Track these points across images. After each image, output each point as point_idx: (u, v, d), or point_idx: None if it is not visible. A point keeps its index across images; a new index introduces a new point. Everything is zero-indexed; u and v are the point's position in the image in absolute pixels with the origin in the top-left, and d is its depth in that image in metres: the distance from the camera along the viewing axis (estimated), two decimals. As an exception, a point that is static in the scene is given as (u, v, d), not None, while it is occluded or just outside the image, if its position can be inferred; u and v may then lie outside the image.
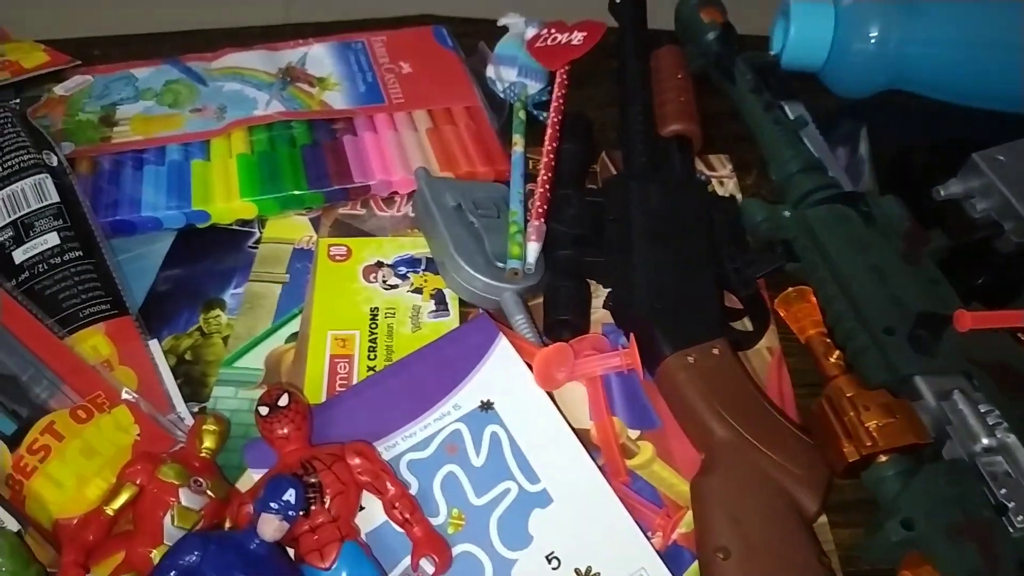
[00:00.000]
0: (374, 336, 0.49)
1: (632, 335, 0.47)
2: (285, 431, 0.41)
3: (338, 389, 0.46)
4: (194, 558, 0.36)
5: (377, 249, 0.53)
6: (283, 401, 0.41)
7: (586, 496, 0.42)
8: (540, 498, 0.42)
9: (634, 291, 0.48)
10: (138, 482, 0.40)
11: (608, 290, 0.52)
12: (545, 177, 0.53)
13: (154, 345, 0.48)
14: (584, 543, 0.41)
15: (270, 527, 0.36)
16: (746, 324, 0.51)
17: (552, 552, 0.40)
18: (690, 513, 0.43)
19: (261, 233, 0.56)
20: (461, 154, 0.59)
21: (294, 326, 0.51)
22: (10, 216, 0.49)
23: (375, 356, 0.48)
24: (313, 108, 0.61)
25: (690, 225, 0.52)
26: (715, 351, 0.46)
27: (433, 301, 0.51)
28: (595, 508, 0.42)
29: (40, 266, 0.48)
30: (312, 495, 0.39)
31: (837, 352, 0.46)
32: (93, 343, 0.46)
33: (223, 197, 0.55)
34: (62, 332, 0.46)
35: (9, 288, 0.47)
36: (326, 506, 0.39)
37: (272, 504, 0.37)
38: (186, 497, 0.39)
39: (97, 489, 0.41)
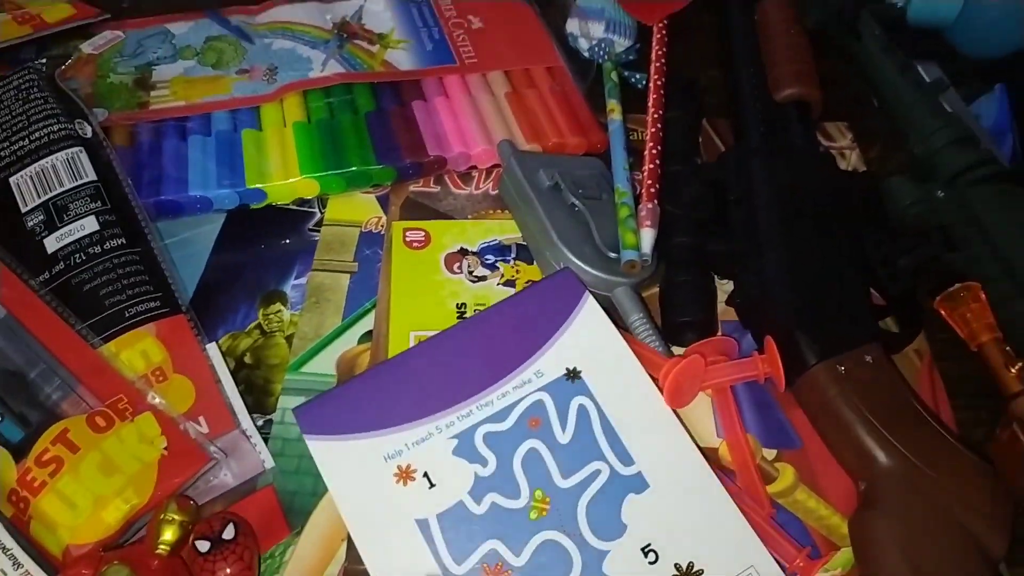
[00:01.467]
0: None
1: (769, 339, 0.40)
2: (230, 571, 0.34)
3: None
4: None
5: (460, 234, 0.46)
6: (229, 533, 0.34)
7: (687, 482, 0.37)
8: (635, 482, 0.36)
9: (769, 286, 0.41)
10: None
11: (731, 283, 0.45)
12: (654, 151, 0.46)
13: (212, 349, 0.41)
14: (685, 535, 0.35)
15: None
16: (887, 324, 0.44)
17: (649, 544, 0.35)
18: (843, 555, 0.37)
19: (322, 214, 0.49)
20: (548, 123, 0.51)
21: (368, 323, 0.44)
22: (40, 197, 0.42)
23: None
24: (376, 69, 0.53)
25: (826, 207, 0.44)
26: (868, 359, 0.39)
27: None
28: (697, 496, 0.36)
29: (77, 256, 0.41)
30: None
31: (1021, 363, 0.39)
32: (142, 347, 0.40)
33: (281, 173, 0.47)
34: (91, 336, 0.39)
35: (36, 284, 0.40)
36: None
37: None
38: None
39: (116, 512, 0.35)
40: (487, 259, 0.45)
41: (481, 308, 0.43)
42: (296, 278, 0.46)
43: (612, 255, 0.42)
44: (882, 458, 0.36)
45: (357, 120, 0.50)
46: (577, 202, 0.44)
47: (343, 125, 0.50)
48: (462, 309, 0.43)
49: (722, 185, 0.46)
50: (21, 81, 0.45)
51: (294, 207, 0.49)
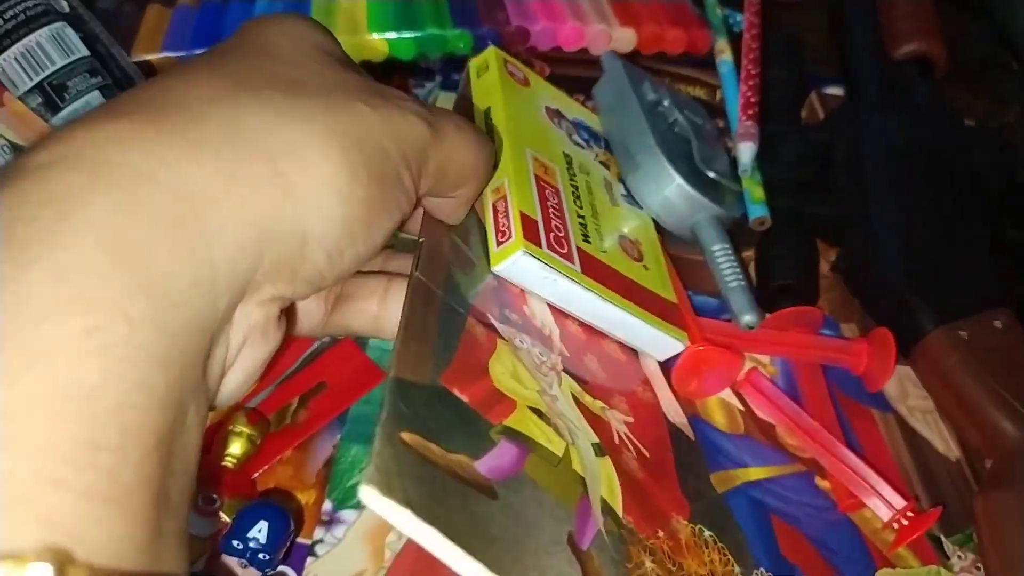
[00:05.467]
0: (575, 184, 0.35)
1: (885, 331, 0.36)
2: None
3: (552, 217, 0.32)
4: None
5: (554, 97, 0.40)
6: None
7: None
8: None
9: (879, 249, 0.38)
10: None
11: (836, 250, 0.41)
12: (752, 70, 0.42)
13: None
14: None
15: None
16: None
17: None
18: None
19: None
20: (644, 9, 0.46)
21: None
22: (33, 78, 0.37)
23: (581, 205, 0.35)
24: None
25: (947, 168, 0.40)
26: (997, 323, 0.35)
27: (623, 186, 0.38)
28: None
29: (94, 136, 0.37)
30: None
31: None
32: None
33: (348, 30, 0.43)
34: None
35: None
36: None
37: (235, 542, 0.28)
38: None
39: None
40: (581, 134, 0.39)
41: (585, 170, 0.36)
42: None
43: (710, 174, 0.37)
44: (1012, 432, 0.32)
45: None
46: (680, 118, 0.39)
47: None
48: (568, 159, 0.36)
49: (827, 146, 0.42)
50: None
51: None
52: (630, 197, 0.38)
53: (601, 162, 0.39)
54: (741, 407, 0.36)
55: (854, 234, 0.39)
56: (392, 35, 0.43)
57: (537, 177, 0.33)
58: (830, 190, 0.41)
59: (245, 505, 0.29)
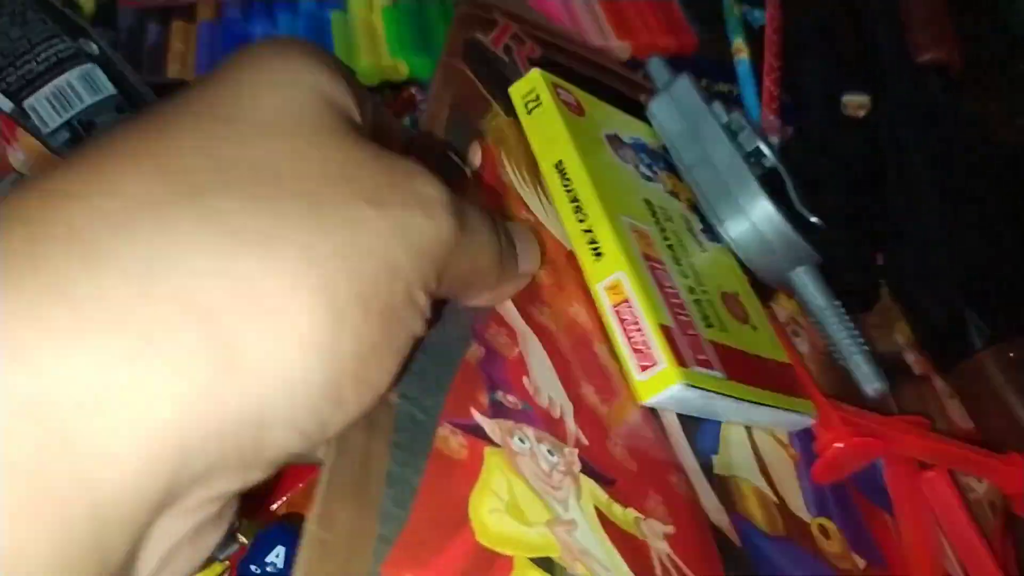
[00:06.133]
0: (670, 243, 0.29)
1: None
2: None
3: (677, 312, 0.26)
4: None
5: (607, 118, 0.32)
6: None
7: None
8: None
9: (933, 259, 0.38)
10: None
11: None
12: (775, 64, 0.44)
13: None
14: None
15: None
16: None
17: None
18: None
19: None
20: (638, 19, 0.48)
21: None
22: (62, 116, 0.37)
23: (687, 273, 0.28)
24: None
25: (984, 177, 0.41)
26: (1032, 347, 0.36)
27: (698, 218, 0.33)
28: None
29: (119, 169, 0.35)
30: None
31: None
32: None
33: (370, 53, 0.43)
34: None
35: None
36: None
37: (253, 567, 0.27)
38: None
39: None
40: (643, 160, 0.32)
41: (666, 213, 0.30)
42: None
43: (813, 219, 0.32)
44: (1057, 457, 0.33)
45: (446, 7, 0.46)
46: (764, 147, 0.32)
47: (431, 12, 0.46)
48: (652, 210, 0.29)
49: (874, 141, 0.42)
50: (14, 6, 0.38)
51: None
52: (707, 231, 0.32)
53: (670, 191, 0.32)
54: (776, 499, 0.27)
55: (905, 240, 0.39)
56: (412, 56, 0.44)
57: (646, 257, 0.26)
58: (878, 190, 0.40)
59: (263, 528, 0.28)
